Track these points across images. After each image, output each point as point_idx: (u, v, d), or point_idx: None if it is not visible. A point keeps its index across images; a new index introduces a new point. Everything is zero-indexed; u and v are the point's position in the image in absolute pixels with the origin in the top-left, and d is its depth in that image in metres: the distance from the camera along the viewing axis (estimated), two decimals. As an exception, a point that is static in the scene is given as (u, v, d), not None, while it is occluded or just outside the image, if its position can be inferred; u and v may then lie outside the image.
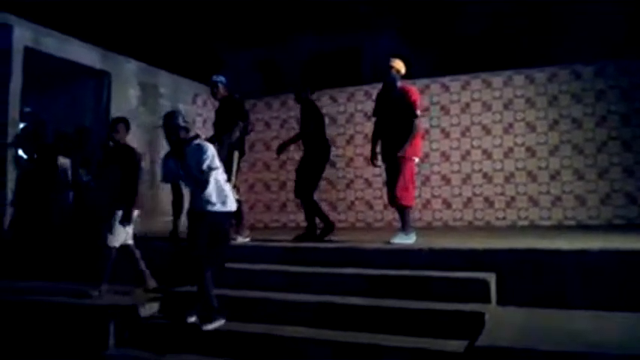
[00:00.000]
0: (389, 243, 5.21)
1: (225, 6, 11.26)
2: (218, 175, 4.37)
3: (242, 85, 10.68)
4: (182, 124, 4.38)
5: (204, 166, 4.21)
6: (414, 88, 5.66)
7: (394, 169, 5.40)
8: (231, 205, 4.43)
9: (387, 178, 5.60)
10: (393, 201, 5.43)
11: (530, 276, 4.45)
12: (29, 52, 6.78)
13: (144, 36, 10.50)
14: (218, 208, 4.30)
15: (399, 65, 5.61)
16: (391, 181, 5.46)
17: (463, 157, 8.79)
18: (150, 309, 4.75)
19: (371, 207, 9.22)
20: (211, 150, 4.30)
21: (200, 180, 4.26)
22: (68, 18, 8.89)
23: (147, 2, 10.88)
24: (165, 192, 8.72)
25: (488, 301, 4.19)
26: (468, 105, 8.82)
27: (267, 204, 9.91)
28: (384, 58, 5.87)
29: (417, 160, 5.61)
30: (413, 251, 4.87)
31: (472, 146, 8.75)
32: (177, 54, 10.65)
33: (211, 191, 4.28)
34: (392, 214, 8.35)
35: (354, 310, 4.13)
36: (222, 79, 6.37)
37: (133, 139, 8.01)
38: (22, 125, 6.98)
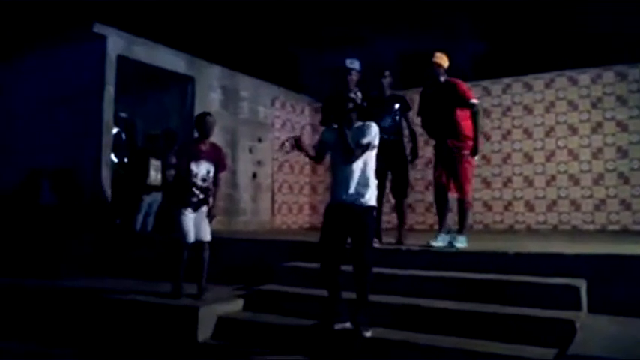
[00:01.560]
0: (452, 246, 5.07)
1: (305, 9, 11.41)
2: (370, 162, 4.10)
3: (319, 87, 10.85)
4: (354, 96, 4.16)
5: (365, 141, 3.97)
6: (461, 81, 5.38)
7: (452, 165, 5.21)
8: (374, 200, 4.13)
9: (445, 174, 5.31)
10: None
11: (624, 283, 4.23)
12: (121, 60, 7.17)
13: (225, 41, 10.83)
14: (365, 201, 4.02)
15: (440, 59, 5.36)
16: (454, 176, 5.25)
17: (547, 158, 8.47)
18: (236, 305, 4.91)
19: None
20: (376, 129, 4.08)
21: (353, 156, 3.97)
22: (156, 25, 9.30)
23: (228, 8, 11.21)
24: (245, 192, 9.06)
25: (578, 308, 4.01)
26: (552, 104, 8.48)
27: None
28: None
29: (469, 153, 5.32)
30: (498, 254, 4.74)
31: (557, 147, 8.42)
32: (256, 58, 10.91)
33: (361, 180, 4.01)
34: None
35: (439, 313, 4.07)
36: (356, 65, 5.38)
37: (214, 140, 8.36)
38: (115, 130, 7.38)
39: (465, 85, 5.31)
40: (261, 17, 11.57)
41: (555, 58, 8.91)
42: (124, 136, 7.67)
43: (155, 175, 7.55)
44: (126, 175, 7.40)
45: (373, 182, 4.07)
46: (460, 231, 5.26)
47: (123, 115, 7.62)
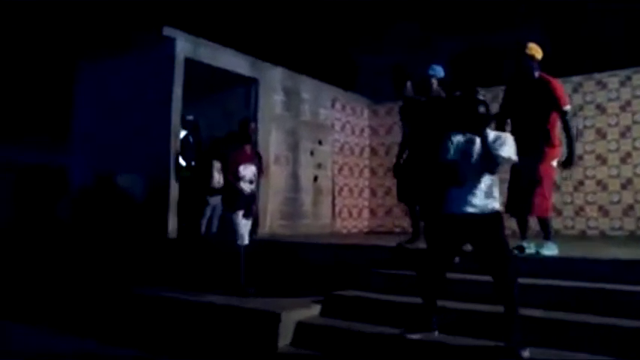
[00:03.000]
0: (538, 254, 4.75)
1: (363, 11, 11.31)
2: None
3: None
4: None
5: (505, 153, 3.71)
6: (556, 79, 4.88)
7: (529, 174, 4.73)
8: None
9: (511, 182, 4.91)
10: (527, 210, 4.81)
11: None
12: (189, 63, 7.20)
13: (287, 42, 10.82)
14: (493, 208, 3.79)
15: (534, 50, 4.84)
16: (525, 187, 4.77)
17: (623, 160, 8.07)
18: (314, 311, 4.81)
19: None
20: (512, 140, 3.82)
21: (496, 167, 3.76)
22: (219, 28, 9.35)
23: (289, 9, 11.21)
24: (307, 195, 8.98)
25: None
26: (628, 102, 8.08)
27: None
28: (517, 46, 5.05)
29: (555, 163, 4.97)
30: (590, 261, 4.48)
31: (634, 148, 8.01)
32: (316, 59, 10.85)
33: (489, 190, 3.79)
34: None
35: (536, 322, 3.85)
36: (439, 71, 5.14)
37: (277, 142, 8.35)
38: (182, 133, 7.42)
39: (560, 89, 4.79)
40: (320, 18, 11.52)
41: (629, 55, 8.44)
42: (191, 138, 7.70)
43: (218, 178, 7.54)
44: (192, 177, 7.42)
45: (497, 189, 3.84)
46: (546, 237, 4.99)
47: (190, 117, 7.65)
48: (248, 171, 5.45)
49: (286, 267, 5.81)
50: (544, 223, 4.99)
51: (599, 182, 8.20)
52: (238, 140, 5.59)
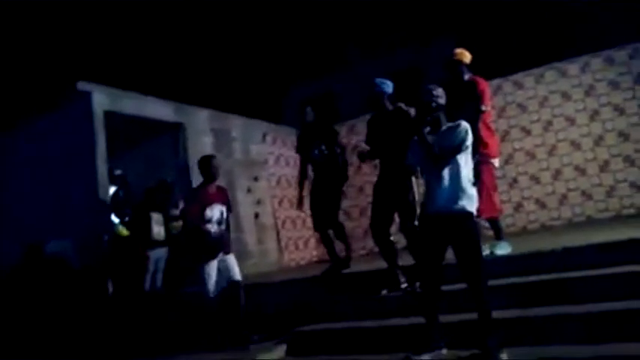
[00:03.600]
0: (492, 254, 4.76)
1: (284, 42, 11.36)
2: (466, 166, 3.76)
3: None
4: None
5: (456, 141, 3.67)
6: (482, 79, 5.03)
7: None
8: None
9: None
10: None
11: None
12: (109, 115, 6.91)
13: (211, 83, 10.68)
14: (462, 206, 3.69)
15: (460, 55, 5.05)
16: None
17: (550, 153, 8.38)
18: (280, 352, 4.59)
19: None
20: (466, 127, 3.75)
21: (441, 162, 3.70)
22: (140, 76, 9.09)
23: (204, 51, 11.10)
24: (250, 234, 8.74)
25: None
26: (546, 98, 8.44)
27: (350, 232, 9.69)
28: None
29: (496, 162, 5.13)
30: (545, 253, 4.53)
31: (557, 140, 8.34)
32: (243, 96, 10.77)
33: (455, 185, 3.70)
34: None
35: (508, 323, 3.80)
36: (387, 86, 5.00)
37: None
38: (112, 189, 7.06)
39: (483, 86, 4.91)
40: (241, 57, 11.50)
41: (541, 52, 8.86)
42: (121, 193, 7.35)
43: (158, 230, 7.22)
44: (130, 234, 7.05)
45: (470, 187, 3.75)
46: (498, 237, 5.03)
47: (118, 172, 7.32)
48: (215, 211, 4.98)
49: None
50: (494, 224, 5.04)
51: (532, 177, 8.47)
52: (204, 180, 5.13)
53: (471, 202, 3.72)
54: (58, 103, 7.00)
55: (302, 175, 6.04)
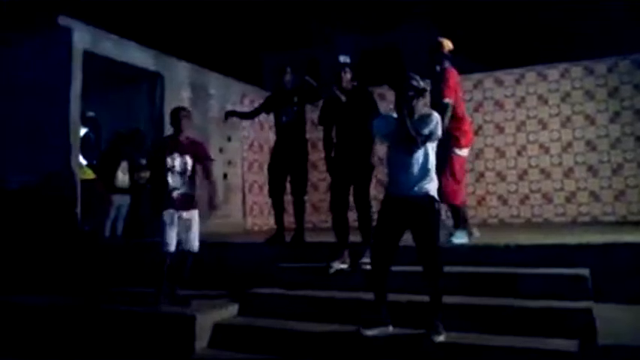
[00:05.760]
0: (449, 242, 4.90)
1: (268, 9, 11.21)
2: (432, 154, 3.87)
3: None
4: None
5: (426, 130, 3.78)
6: (454, 72, 5.17)
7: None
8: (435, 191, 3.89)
9: None
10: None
11: (625, 271, 4.27)
12: (88, 55, 6.77)
13: (194, 38, 10.50)
14: (427, 191, 3.82)
15: (441, 44, 5.20)
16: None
17: (519, 153, 8.58)
18: (232, 311, 4.68)
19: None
20: (438, 118, 3.88)
21: (415, 146, 3.77)
22: (122, 20, 8.89)
23: (195, 5, 10.89)
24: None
25: (586, 298, 4.00)
26: (523, 99, 8.60)
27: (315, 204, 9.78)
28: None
29: (465, 152, 5.24)
30: (500, 248, 4.70)
31: (528, 141, 8.54)
32: (224, 55, 10.62)
33: (422, 171, 3.80)
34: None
35: (454, 309, 3.95)
36: (348, 60, 5.13)
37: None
38: (83, 131, 6.96)
39: (452, 78, 5.05)
40: (227, 16, 11.31)
41: (524, 55, 8.98)
42: (92, 136, 7.25)
43: (123, 177, 7.18)
44: (95, 178, 6.99)
45: (434, 175, 3.87)
46: (457, 226, 5.19)
47: (90, 114, 7.20)
48: (177, 161, 4.85)
49: (200, 269, 5.58)
50: (455, 211, 5.19)
51: (498, 174, 8.67)
52: (173, 131, 5.01)
53: (434, 187, 3.85)
54: (35, 34, 6.77)
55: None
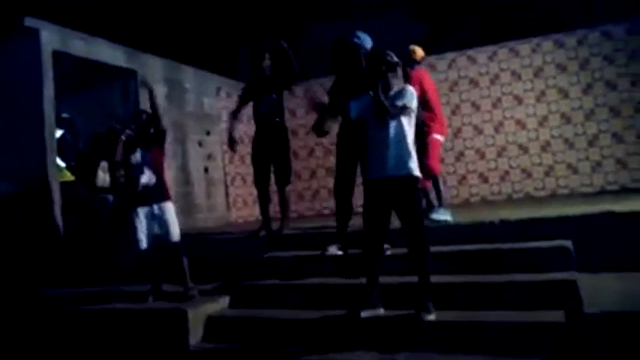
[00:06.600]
0: (430, 219, 4.95)
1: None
2: (410, 130, 3.86)
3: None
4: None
5: (399, 103, 3.78)
6: (417, 75, 5.33)
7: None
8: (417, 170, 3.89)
9: None
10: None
11: (606, 240, 4.38)
12: (58, 55, 6.65)
13: (166, 32, 10.36)
14: (408, 170, 3.81)
15: (413, 52, 5.45)
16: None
17: (496, 130, 8.68)
18: (223, 303, 4.70)
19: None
20: (412, 91, 3.89)
21: (388, 115, 3.77)
22: (93, 18, 8.74)
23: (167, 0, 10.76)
24: (199, 188, 8.73)
25: (570, 269, 4.10)
26: (497, 76, 8.68)
27: (300, 193, 9.80)
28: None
29: (439, 137, 5.43)
30: (484, 224, 4.77)
31: (504, 117, 8.63)
32: (198, 49, 10.51)
33: (401, 148, 3.80)
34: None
35: (443, 288, 4.01)
36: (367, 41, 4.71)
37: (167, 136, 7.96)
38: (59, 133, 6.85)
39: (416, 76, 5.27)
40: (200, 8, 11.18)
41: (496, 32, 9.04)
42: (68, 137, 7.15)
43: (104, 177, 7.11)
44: (75, 179, 6.92)
45: (414, 151, 3.85)
46: (441, 204, 5.27)
47: (65, 115, 7.09)
48: (137, 155, 4.93)
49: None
50: (436, 185, 5.34)
51: (477, 151, 8.76)
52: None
53: (414, 164, 3.84)
54: (1, 38, 6.64)
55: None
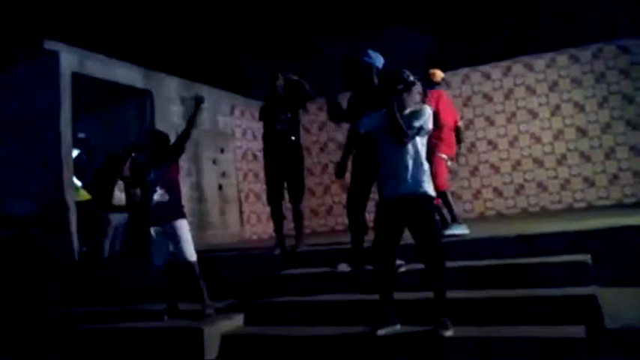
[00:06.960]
0: (445, 232, 4.94)
1: (252, 18, 11.22)
2: (423, 149, 3.85)
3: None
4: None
5: (417, 123, 3.75)
6: (435, 97, 5.29)
7: None
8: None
9: None
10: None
11: (626, 254, 4.31)
12: (76, 77, 6.76)
13: (181, 52, 10.49)
14: (424, 190, 3.79)
15: (432, 75, 5.57)
16: None
17: (511, 144, 8.64)
18: (237, 321, 4.68)
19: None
20: (429, 112, 3.88)
21: (405, 137, 3.74)
22: (109, 39, 8.88)
23: (182, 21, 10.90)
24: (213, 205, 8.76)
25: (589, 283, 4.04)
26: (511, 91, 8.66)
27: (314, 209, 9.81)
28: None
29: (444, 156, 5.44)
30: (499, 240, 4.73)
31: (519, 132, 8.60)
32: (212, 67, 10.62)
33: (416, 167, 3.79)
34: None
35: (460, 304, 3.97)
36: (376, 59, 4.74)
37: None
38: (75, 153, 6.94)
39: (433, 97, 5.25)
40: (213, 28, 11.32)
41: (511, 46, 9.03)
42: (84, 157, 7.22)
43: (120, 195, 7.17)
44: (91, 198, 6.98)
45: (428, 170, 3.85)
46: (453, 219, 5.24)
47: (81, 135, 7.17)
48: (152, 175, 4.93)
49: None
50: (447, 203, 5.31)
51: (492, 166, 8.72)
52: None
53: (431, 185, 3.84)
54: (22, 60, 6.77)
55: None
